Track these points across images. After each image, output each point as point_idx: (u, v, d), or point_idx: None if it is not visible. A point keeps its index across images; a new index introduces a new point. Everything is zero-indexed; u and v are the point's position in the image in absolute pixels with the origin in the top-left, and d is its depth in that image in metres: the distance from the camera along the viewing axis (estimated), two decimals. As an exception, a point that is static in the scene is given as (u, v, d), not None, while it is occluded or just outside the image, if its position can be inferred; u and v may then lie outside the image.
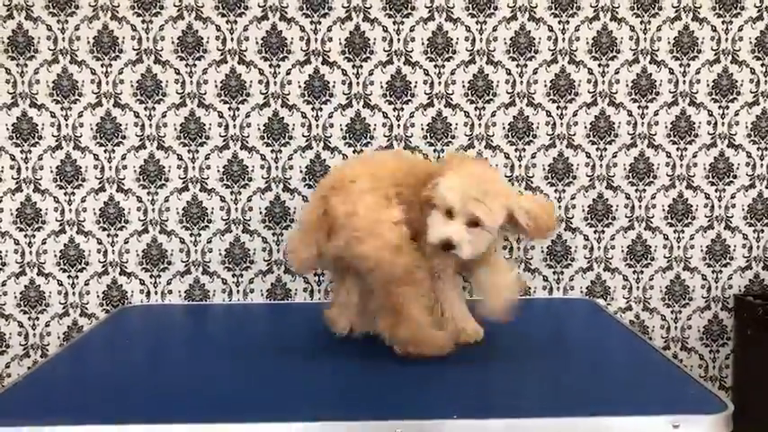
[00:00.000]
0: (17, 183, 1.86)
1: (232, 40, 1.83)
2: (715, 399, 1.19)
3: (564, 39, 1.85)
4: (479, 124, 1.87)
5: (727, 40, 1.86)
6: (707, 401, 1.19)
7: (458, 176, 1.36)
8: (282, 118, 1.86)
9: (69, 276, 1.89)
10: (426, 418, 1.14)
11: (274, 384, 1.28)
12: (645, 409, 1.16)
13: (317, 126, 1.86)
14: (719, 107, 1.88)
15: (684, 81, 1.87)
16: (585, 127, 1.88)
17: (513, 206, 1.36)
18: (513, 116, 1.87)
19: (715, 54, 1.86)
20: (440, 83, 1.86)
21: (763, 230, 1.92)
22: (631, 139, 1.89)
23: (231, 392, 1.24)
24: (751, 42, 1.86)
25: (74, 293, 1.89)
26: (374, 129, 1.87)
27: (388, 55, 1.85)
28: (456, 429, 1.14)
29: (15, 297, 1.89)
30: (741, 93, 1.88)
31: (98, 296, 1.90)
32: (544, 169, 1.89)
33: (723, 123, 1.89)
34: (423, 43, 1.84)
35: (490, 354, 1.48)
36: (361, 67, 1.85)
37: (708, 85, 1.87)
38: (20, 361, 1.90)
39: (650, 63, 1.86)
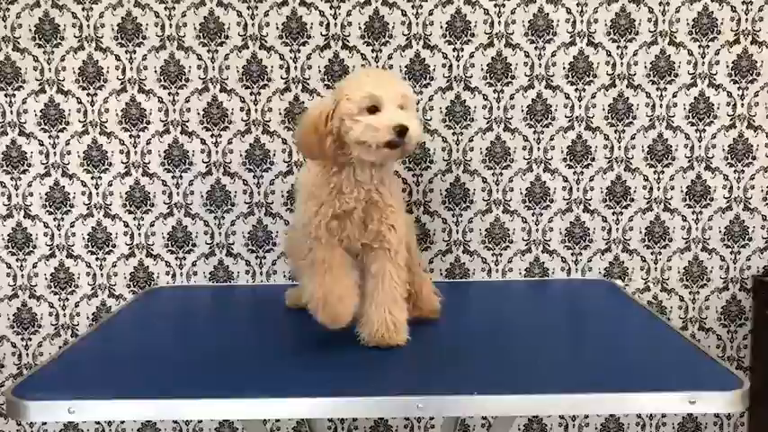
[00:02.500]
0: (45, 167, 1.90)
1: (253, 25, 1.86)
2: (731, 376, 1.21)
3: (582, 21, 1.86)
4: (498, 107, 1.89)
5: (747, 20, 1.85)
6: (723, 379, 1.20)
7: (355, 79, 1.18)
8: (303, 102, 1.88)
9: (97, 259, 1.94)
10: (446, 394, 1.17)
11: (296, 361, 1.31)
12: (662, 385, 1.18)
13: (338, 110, 1.88)
14: (739, 88, 1.88)
15: (704, 63, 1.87)
16: (604, 109, 1.89)
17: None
18: (532, 99, 1.88)
19: (735, 35, 1.86)
20: (458, 66, 1.87)
21: (782, 211, 1.93)
22: (650, 121, 1.89)
23: (254, 369, 1.28)
24: (771, 23, 1.85)
25: (102, 275, 1.94)
26: (394, 112, 1.88)
27: (407, 39, 1.86)
28: (475, 405, 1.17)
29: (46, 279, 1.94)
30: (761, 74, 1.87)
31: (125, 278, 1.94)
32: (563, 151, 1.90)
33: (742, 105, 1.88)
34: (441, 27, 1.86)
35: (509, 332, 1.50)
36: (381, 51, 1.87)
37: (727, 67, 1.87)
38: (51, 340, 1.96)
39: (669, 45, 1.86)
